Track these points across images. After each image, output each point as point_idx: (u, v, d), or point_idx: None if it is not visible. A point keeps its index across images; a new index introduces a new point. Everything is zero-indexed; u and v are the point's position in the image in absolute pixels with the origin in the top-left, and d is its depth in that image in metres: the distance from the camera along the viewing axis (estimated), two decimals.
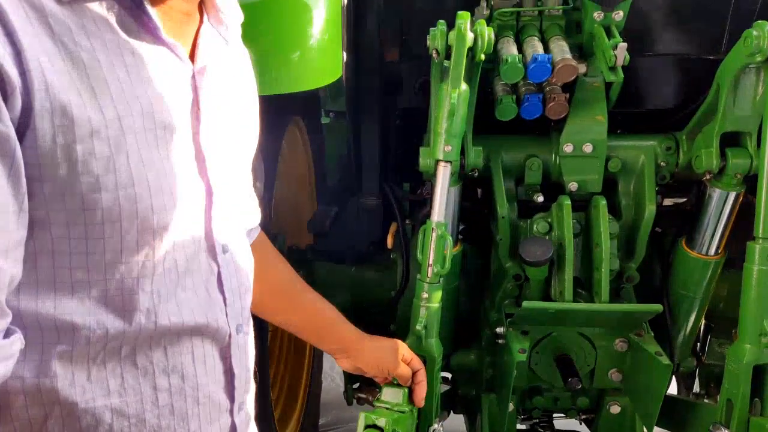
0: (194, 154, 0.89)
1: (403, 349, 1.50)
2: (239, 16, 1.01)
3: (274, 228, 2.66)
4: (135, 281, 0.83)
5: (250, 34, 1.11)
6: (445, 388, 2.27)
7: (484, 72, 1.87)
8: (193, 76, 0.90)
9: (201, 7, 0.94)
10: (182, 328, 0.88)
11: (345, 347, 1.47)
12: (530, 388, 2.04)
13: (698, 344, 2.27)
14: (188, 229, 0.88)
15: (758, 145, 1.69)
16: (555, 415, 2.21)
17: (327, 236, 2.39)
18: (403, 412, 1.43)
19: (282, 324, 1.32)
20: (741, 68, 1.63)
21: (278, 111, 2.01)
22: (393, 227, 2.21)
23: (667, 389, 1.80)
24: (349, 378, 2.21)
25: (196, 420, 0.91)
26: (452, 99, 1.54)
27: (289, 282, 1.31)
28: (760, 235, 1.61)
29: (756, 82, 1.66)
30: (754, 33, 1.54)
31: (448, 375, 2.31)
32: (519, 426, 2.17)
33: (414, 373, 1.52)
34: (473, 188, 2.11)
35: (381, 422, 1.32)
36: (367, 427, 1.34)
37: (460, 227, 2.21)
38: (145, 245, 0.82)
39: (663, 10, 1.99)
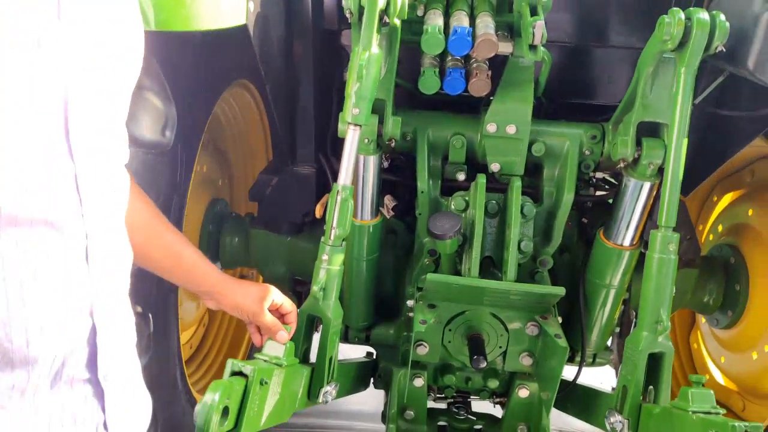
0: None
1: (274, 296, 1.50)
2: None
3: (222, 195, 2.66)
4: None
5: None
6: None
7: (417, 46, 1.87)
8: None
9: None
10: None
11: (209, 290, 1.48)
12: (442, 365, 2.04)
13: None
14: None
15: None
16: (472, 397, 2.21)
17: (266, 205, 2.38)
18: (279, 365, 1.42)
19: (143, 262, 1.31)
20: (657, 56, 1.62)
21: (212, 71, 2.00)
22: (325, 198, 2.21)
23: (562, 371, 1.80)
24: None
25: None
26: (361, 60, 1.54)
27: (149, 219, 1.31)
28: (662, 224, 1.61)
29: (672, 73, 1.65)
30: (666, 20, 1.53)
31: (372, 350, 2.32)
32: (435, 405, 2.17)
33: (284, 315, 1.53)
34: (411, 166, 2.11)
35: (247, 369, 1.32)
36: (233, 374, 1.33)
37: (394, 204, 2.21)
38: None
39: (607, 2, 1.99)
